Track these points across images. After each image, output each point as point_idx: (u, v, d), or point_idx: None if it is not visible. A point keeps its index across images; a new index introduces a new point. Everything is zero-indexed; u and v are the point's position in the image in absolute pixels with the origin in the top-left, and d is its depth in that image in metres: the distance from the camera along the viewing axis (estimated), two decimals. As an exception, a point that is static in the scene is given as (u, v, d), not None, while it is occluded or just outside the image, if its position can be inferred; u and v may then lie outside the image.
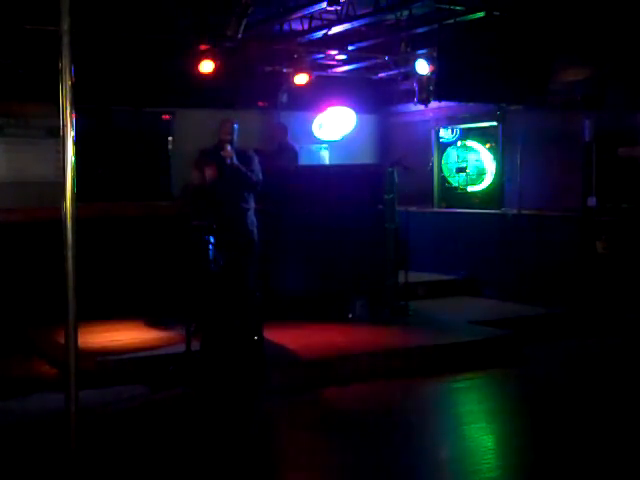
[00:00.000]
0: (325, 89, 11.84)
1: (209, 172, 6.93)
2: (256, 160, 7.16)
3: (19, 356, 7.49)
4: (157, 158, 11.51)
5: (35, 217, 8.32)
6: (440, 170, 12.20)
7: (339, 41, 10.28)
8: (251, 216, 7.14)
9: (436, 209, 12.08)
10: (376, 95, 12.72)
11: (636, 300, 8.85)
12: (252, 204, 7.17)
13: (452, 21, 8.98)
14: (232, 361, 6.72)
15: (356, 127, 12.39)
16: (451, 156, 12.06)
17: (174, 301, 7.41)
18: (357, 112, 12.33)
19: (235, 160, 6.93)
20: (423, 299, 9.89)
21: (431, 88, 9.99)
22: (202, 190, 7.05)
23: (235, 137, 7.05)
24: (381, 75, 11.83)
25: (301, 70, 10.90)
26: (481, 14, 8.83)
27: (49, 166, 9.81)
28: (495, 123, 11.12)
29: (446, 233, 11.42)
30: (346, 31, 9.78)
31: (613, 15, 8.84)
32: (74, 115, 3.76)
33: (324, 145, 12.68)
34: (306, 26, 9.90)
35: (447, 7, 8.78)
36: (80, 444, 3.83)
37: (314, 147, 12.52)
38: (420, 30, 9.70)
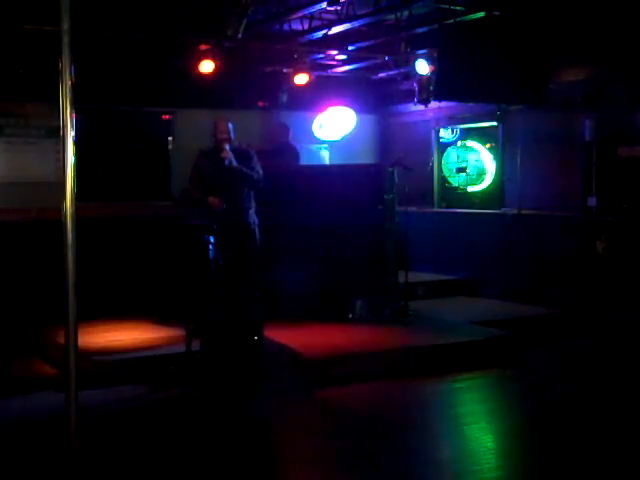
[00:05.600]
0: (325, 89, 11.84)
1: (215, 204, 6.94)
2: (255, 157, 7.16)
3: (19, 356, 7.49)
4: (157, 158, 11.52)
5: (35, 217, 8.32)
6: (440, 170, 12.20)
7: (339, 41, 10.27)
8: (252, 215, 7.14)
9: (436, 209, 12.08)
10: (376, 95, 12.73)
11: (636, 300, 8.84)
12: (253, 203, 7.17)
13: (452, 21, 8.97)
14: (232, 361, 6.72)
15: (356, 127, 12.39)
16: (451, 156, 12.06)
17: (174, 301, 7.41)
18: (357, 112, 12.33)
19: (234, 162, 6.92)
20: (423, 299, 9.89)
21: (431, 88, 9.99)
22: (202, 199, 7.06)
23: (232, 136, 7.05)
24: (381, 75, 11.82)
25: (301, 70, 10.90)
26: (481, 14, 8.82)
27: (49, 166, 9.82)
28: (495, 123, 11.12)
29: (446, 233, 11.41)
30: (346, 31, 9.78)
31: (613, 15, 8.84)
32: (74, 115, 3.76)
33: (324, 145, 12.68)
34: (306, 26, 9.90)
35: (447, 7, 8.77)
36: (80, 444, 3.82)
37: (314, 147, 12.52)
38: (420, 30, 9.71)
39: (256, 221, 7.15)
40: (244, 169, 6.97)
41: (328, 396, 6.56)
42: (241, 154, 7.04)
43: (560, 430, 5.70)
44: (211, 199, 6.93)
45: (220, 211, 6.92)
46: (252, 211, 7.14)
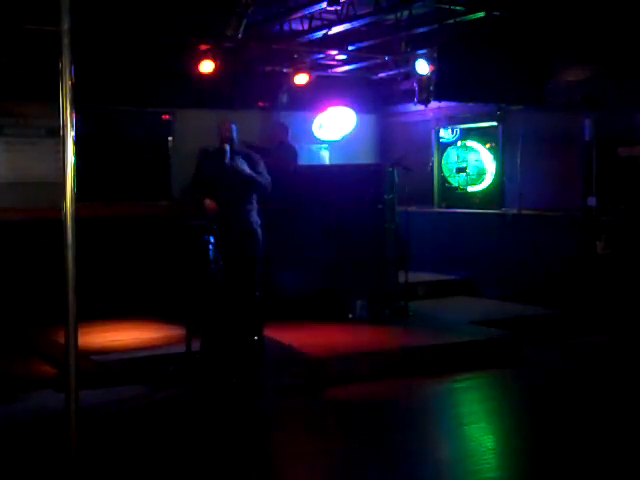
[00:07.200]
0: (325, 89, 11.83)
1: (209, 207, 6.92)
2: (262, 162, 7.16)
3: (19, 356, 7.49)
4: (157, 158, 11.50)
5: (35, 217, 8.32)
6: (440, 170, 12.19)
7: (339, 41, 10.27)
8: (254, 215, 7.14)
9: (436, 209, 12.08)
10: (376, 95, 12.72)
11: (636, 300, 8.84)
12: (255, 204, 7.17)
13: (452, 21, 8.97)
14: (232, 361, 6.72)
15: (356, 127, 12.38)
16: (451, 156, 12.06)
17: (174, 301, 7.41)
18: (357, 112, 12.33)
19: (236, 161, 6.92)
20: (423, 299, 9.90)
21: (431, 88, 9.98)
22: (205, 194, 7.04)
23: (235, 137, 7.05)
24: (381, 75, 11.82)
25: (301, 70, 10.90)
26: (481, 14, 8.83)
27: (49, 166, 9.81)
28: (495, 123, 11.11)
29: (446, 233, 11.41)
30: (346, 31, 9.77)
31: (613, 15, 8.84)
32: (74, 115, 3.75)
33: (324, 145, 12.67)
34: (306, 26, 9.89)
35: (447, 7, 8.77)
36: (80, 444, 3.82)
37: (314, 147, 12.52)
38: (420, 30, 9.70)
39: (258, 221, 7.14)
40: (246, 170, 6.96)
41: (328, 396, 6.57)
42: (248, 158, 7.05)
43: (560, 430, 5.70)
44: (206, 202, 6.93)
45: (212, 214, 6.91)
46: (254, 212, 7.14)
